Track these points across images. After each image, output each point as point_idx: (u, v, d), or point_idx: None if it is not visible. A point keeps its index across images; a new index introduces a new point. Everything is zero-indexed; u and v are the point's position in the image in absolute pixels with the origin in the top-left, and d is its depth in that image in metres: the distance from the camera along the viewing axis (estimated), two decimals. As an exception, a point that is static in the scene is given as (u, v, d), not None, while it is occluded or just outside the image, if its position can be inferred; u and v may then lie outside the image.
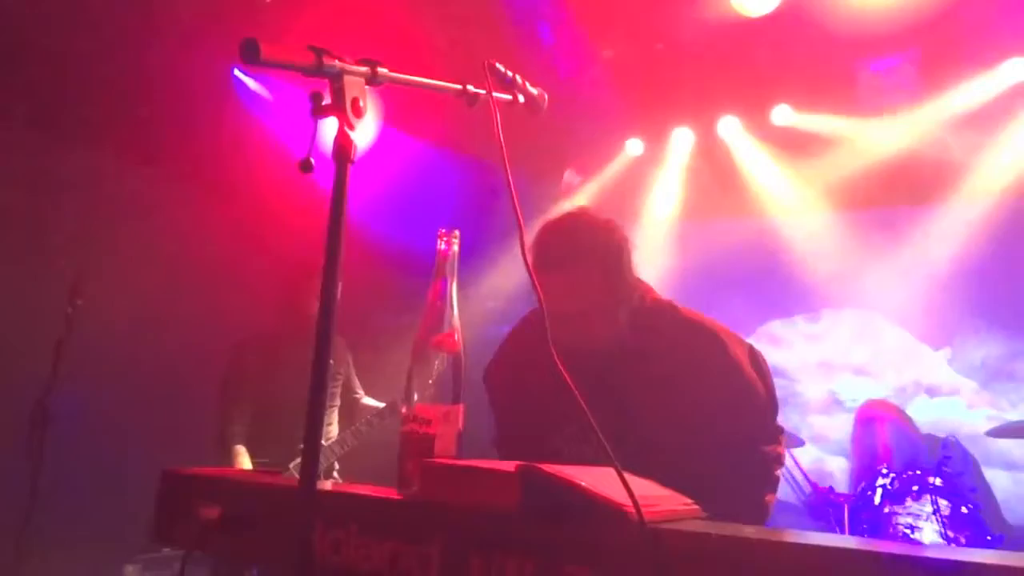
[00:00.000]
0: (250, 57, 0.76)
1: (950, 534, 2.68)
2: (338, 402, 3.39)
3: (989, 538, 2.69)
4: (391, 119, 3.88)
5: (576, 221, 1.60)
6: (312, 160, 0.83)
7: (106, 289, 3.30)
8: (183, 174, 3.71)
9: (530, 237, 1.12)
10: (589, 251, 1.54)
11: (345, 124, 0.83)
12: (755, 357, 1.68)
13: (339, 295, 0.84)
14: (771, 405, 1.67)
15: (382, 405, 3.38)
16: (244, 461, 3.00)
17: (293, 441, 2.82)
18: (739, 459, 1.57)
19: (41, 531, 2.89)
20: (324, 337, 0.80)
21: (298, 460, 3.10)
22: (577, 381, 1.45)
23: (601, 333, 1.56)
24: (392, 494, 1.10)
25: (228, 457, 2.97)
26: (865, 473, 3.08)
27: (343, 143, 0.83)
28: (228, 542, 1.20)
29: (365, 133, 3.80)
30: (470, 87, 1.21)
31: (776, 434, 1.68)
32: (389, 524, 1.04)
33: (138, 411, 3.48)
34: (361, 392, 3.51)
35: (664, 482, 1.22)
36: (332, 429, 3.31)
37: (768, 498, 1.65)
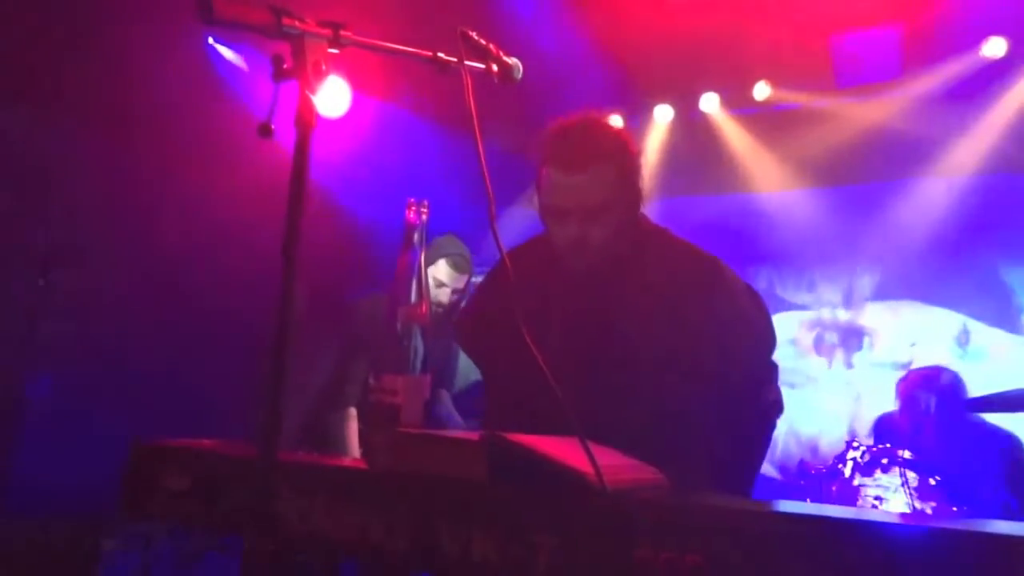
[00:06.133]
0: (203, 14, 0.74)
1: (917, 505, 2.75)
2: None
3: (955, 509, 2.76)
4: (362, 85, 3.82)
5: (592, 123, 1.57)
6: (271, 125, 0.82)
7: (81, 261, 3.26)
8: (159, 146, 3.65)
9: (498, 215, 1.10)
10: (606, 152, 1.52)
11: (306, 88, 0.81)
12: (752, 292, 1.64)
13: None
14: (769, 341, 1.60)
15: None
16: (354, 426, 2.81)
17: None
18: (733, 396, 1.47)
19: (16, 506, 2.87)
20: (285, 307, 0.79)
21: None
22: (566, 303, 1.49)
23: (605, 236, 1.53)
24: (359, 464, 1.10)
25: (339, 416, 2.77)
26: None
27: (304, 108, 0.82)
28: (198, 512, 1.20)
29: (339, 103, 3.75)
30: (441, 55, 1.19)
31: (772, 373, 1.60)
32: (357, 493, 1.04)
33: (115, 384, 3.45)
34: None
35: (651, 421, 1.23)
36: None
37: (760, 451, 1.56)
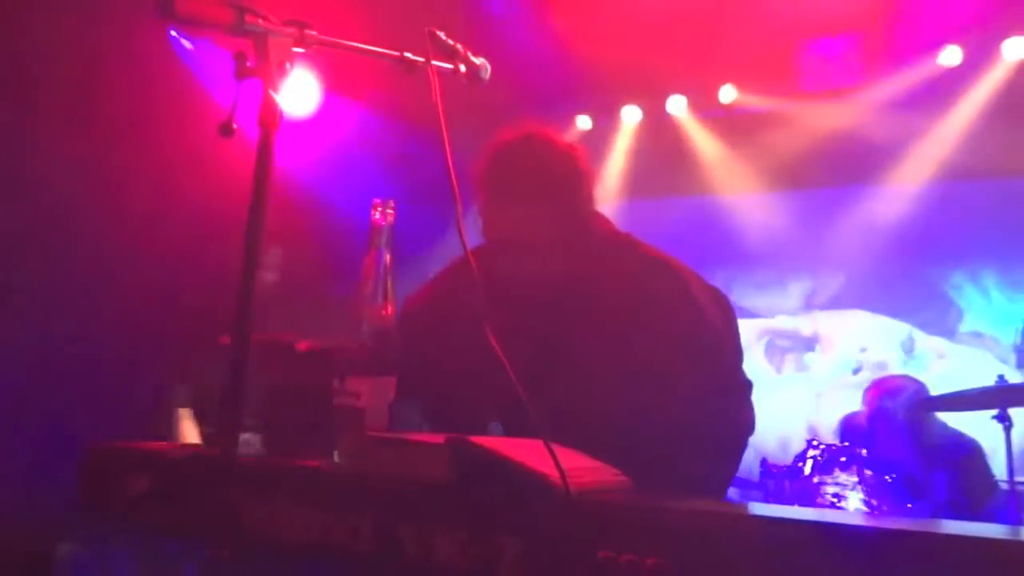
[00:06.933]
0: (165, 11, 0.73)
1: (873, 502, 2.82)
2: None
3: (909, 505, 2.84)
4: (330, 85, 3.78)
5: (533, 146, 1.44)
6: (234, 124, 0.80)
7: (31, 260, 3.16)
8: (118, 141, 3.56)
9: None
10: (546, 181, 1.40)
11: (270, 88, 0.80)
12: (720, 301, 1.54)
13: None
14: (734, 353, 1.52)
15: None
16: (184, 427, 2.83)
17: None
18: (699, 421, 1.38)
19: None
20: (244, 308, 0.78)
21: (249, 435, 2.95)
22: (521, 323, 1.30)
23: (553, 267, 1.43)
24: (323, 466, 1.09)
25: (166, 414, 2.81)
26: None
27: (267, 107, 0.81)
28: (157, 515, 1.18)
29: (307, 101, 3.69)
30: (408, 55, 1.18)
31: (744, 390, 1.50)
32: (320, 496, 1.03)
33: (71, 384, 3.36)
34: None
35: (613, 443, 1.14)
36: None
37: (729, 468, 1.47)
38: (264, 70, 0.81)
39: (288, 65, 0.83)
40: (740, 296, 4.83)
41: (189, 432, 2.81)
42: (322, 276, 3.28)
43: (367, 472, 1.02)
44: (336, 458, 1.08)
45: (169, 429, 2.77)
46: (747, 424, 1.48)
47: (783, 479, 3.14)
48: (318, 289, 3.18)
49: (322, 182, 3.93)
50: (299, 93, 3.69)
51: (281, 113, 0.82)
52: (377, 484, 1.00)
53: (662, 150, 4.83)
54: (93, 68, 3.36)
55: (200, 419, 2.80)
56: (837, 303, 4.73)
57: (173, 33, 3.78)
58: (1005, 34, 3.98)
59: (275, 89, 0.80)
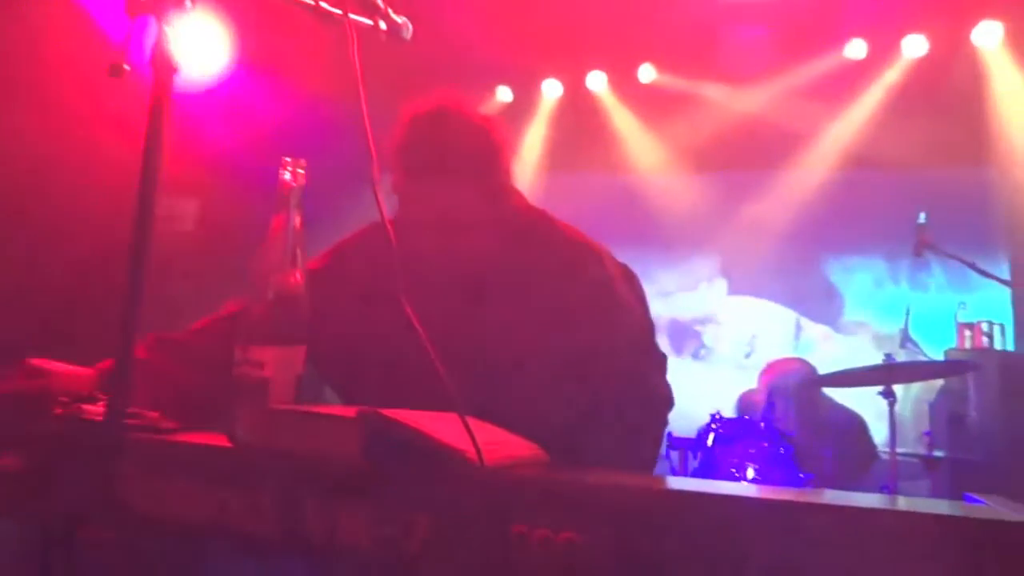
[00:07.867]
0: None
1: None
2: None
3: (801, 475, 3.01)
4: (241, 38, 3.57)
5: (448, 119, 1.39)
6: (125, 65, 0.72)
7: None
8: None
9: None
10: (462, 156, 1.35)
11: (165, 25, 0.72)
12: (630, 278, 1.57)
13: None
14: (647, 328, 1.54)
15: None
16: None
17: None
18: (626, 399, 1.39)
19: None
20: (136, 273, 0.71)
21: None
22: (434, 300, 1.22)
23: (469, 244, 1.40)
24: (223, 441, 1.03)
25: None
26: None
27: (162, 48, 0.72)
28: (24, 496, 1.08)
29: (216, 58, 3.46)
30: (324, 4, 1.12)
31: (662, 364, 1.52)
32: (218, 473, 0.97)
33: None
34: None
35: (534, 418, 1.11)
36: None
37: (650, 445, 1.48)
38: (158, 5, 0.73)
39: (188, 2, 0.75)
40: (644, 277, 4.97)
41: None
42: (227, 238, 3.12)
43: (270, 447, 0.96)
44: (237, 432, 1.02)
45: None
46: (669, 398, 1.50)
47: (688, 451, 3.27)
48: (223, 252, 3.02)
49: (230, 138, 3.73)
50: (208, 45, 3.46)
51: (175, 55, 0.74)
52: (281, 459, 0.95)
53: (583, 125, 4.86)
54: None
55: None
56: (733, 289, 4.97)
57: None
58: (905, 31, 4.20)
59: (171, 26, 0.72)
